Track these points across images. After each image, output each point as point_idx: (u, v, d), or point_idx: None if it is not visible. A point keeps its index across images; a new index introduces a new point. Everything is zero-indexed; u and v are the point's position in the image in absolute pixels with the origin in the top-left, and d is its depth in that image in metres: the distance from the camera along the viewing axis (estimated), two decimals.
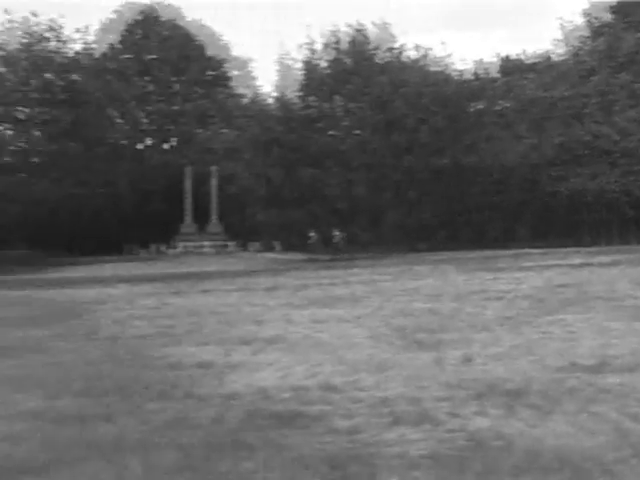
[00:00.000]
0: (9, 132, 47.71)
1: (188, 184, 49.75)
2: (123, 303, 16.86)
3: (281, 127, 37.58)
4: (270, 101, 45.78)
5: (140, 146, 55.93)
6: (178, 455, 5.02)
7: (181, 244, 47.21)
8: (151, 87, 57.98)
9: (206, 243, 46.02)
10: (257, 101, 49.07)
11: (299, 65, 40.70)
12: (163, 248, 48.50)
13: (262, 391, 6.96)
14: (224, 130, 52.52)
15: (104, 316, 14.19)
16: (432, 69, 41.33)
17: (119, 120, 55.73)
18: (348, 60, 39.80)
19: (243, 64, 61.39)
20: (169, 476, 4.67)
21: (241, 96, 55.74)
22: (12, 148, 47.38)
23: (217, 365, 8.49)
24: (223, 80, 59.87)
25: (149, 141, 55.60)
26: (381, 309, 13.43)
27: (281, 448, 5.09)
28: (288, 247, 48.12)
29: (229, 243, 41.52)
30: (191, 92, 58.03)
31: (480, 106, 50.18)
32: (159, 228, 49.09)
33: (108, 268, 34.02)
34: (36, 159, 47.65)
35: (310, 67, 40.42)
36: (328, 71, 40.20)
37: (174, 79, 60.00)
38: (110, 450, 5.15)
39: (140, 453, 5.08)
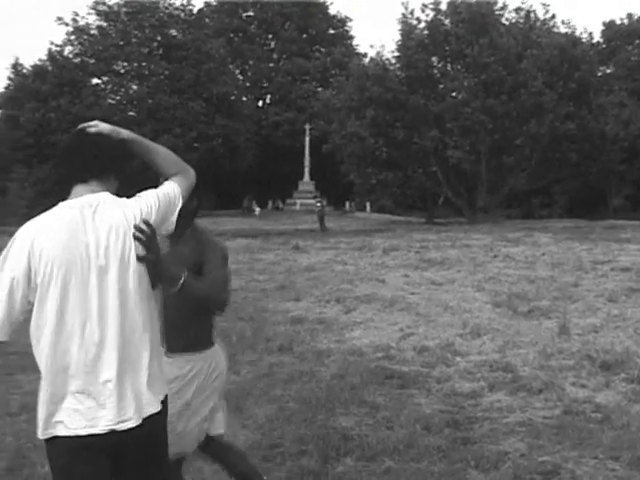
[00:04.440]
0: None
1: (307, 142, 50.56)
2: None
3: (376, 87, 36.62)
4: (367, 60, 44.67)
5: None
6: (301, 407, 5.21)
7: (298, 201, 48.14)
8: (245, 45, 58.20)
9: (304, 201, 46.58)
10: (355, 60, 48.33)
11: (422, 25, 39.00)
12: (280, 204, 50.16)
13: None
14: (319, 89, 52.44)
15: None
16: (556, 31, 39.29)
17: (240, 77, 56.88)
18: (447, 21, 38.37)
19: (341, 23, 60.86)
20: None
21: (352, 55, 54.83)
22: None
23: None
24: (323, 40, 59.46)
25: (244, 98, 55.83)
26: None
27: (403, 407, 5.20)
28: (378, 209, 48.00)
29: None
30: (287, 50, 57.97)
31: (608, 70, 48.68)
32: (279, 185, 51.50)
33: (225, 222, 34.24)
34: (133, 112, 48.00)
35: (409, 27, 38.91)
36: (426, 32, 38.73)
37: (270, 37, 60.01)
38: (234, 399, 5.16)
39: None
